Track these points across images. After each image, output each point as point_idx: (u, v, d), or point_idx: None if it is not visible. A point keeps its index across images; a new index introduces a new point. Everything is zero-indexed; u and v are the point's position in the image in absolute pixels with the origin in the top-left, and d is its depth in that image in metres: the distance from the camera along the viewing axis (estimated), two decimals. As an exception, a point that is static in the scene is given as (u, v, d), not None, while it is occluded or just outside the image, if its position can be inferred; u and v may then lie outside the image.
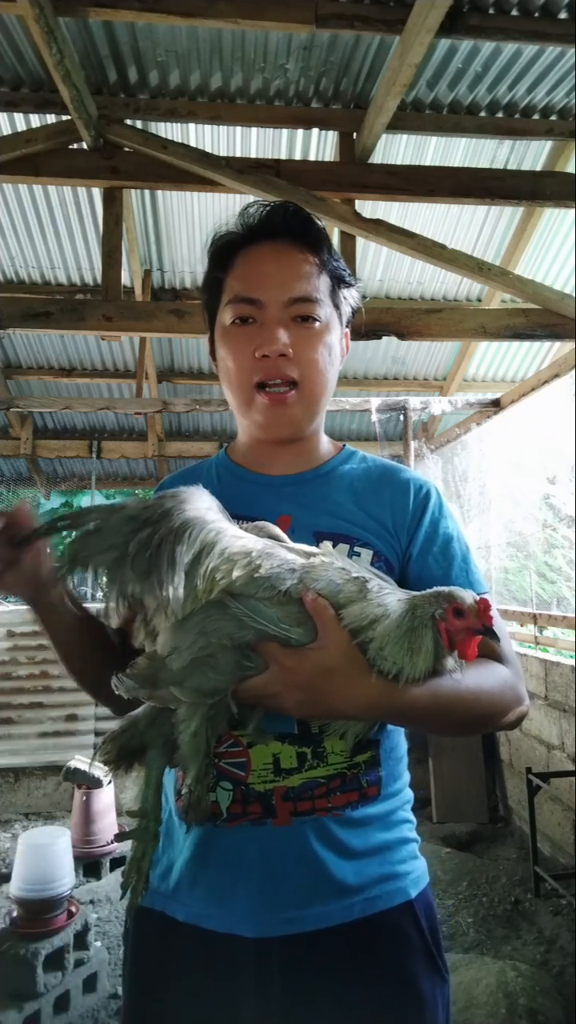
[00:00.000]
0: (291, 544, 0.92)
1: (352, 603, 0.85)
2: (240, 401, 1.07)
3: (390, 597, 0.86)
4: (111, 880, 3.82)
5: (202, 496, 0.91)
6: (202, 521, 0.86)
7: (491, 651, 0.98)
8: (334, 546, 0.98)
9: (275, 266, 1.04)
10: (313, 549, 0.90)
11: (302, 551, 0.89)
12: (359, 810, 0.97)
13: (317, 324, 1.05)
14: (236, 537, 0.87)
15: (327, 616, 0.83)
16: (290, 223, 1.06)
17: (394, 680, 0.83)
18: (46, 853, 2.80)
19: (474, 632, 0.85)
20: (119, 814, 4.07)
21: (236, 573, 0.82)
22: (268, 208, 1.07)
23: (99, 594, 0.88)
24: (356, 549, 1.02)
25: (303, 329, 1.04)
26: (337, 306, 1.09)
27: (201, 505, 0.89)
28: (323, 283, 1.06)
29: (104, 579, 0.84)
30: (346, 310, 1.12)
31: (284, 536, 0.94)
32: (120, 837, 0.93)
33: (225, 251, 1.08)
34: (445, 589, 0.87)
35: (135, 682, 0.84)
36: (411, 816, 1.06)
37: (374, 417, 5.04)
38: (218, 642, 0.81)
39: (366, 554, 1.02)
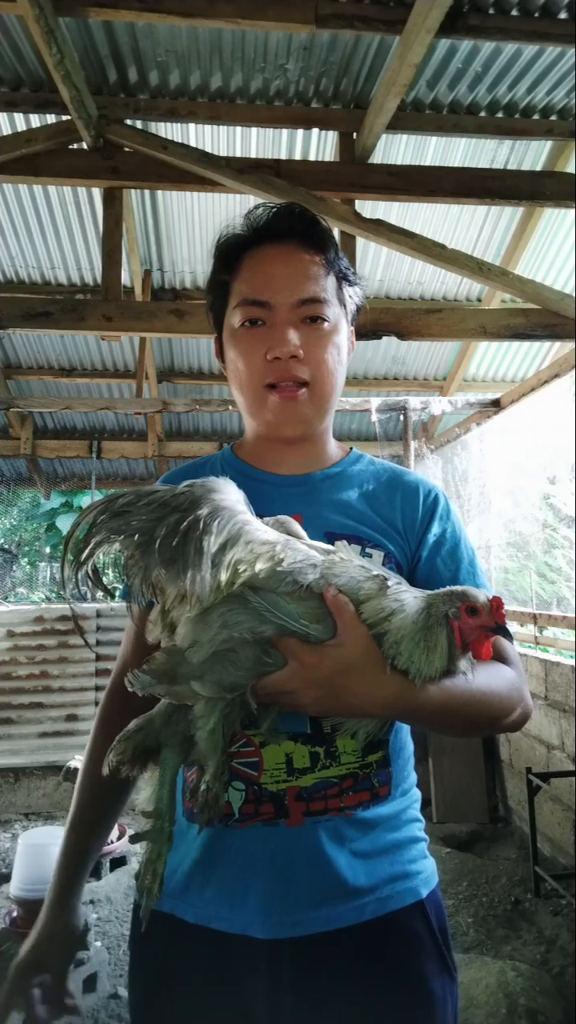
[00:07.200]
0: (309, 541, 0.91)
1: (371, 599, 0.84)
2: (251, 402, 1.07)
3: (407, 595, 0.86)
4: (111, 880, 3.82)
5: (230, 488, 0.91)
6: (230, 512, 0.86)
7: (497, 652, 0.98)
8: None
9: (283, 268, 1.04)
10: (330, 548, 0.90)
11: (320, 549, 0.89)
12: (371, 810, 0.97)
13: (326, 324, 1.05)
14: (260, 530, 0.87)
15: (347, 612, 0.82)
16: (296, 225, 1.06)
17: (410, 677, 0.83)
18: (46, 853, 2.80)
19: (487, 630, 0.84)
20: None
21: (259, 566, 0.81)
22: (274, 210, 1.07)
23: (113, 583, 0.88)
24: (367, 550, 1.02)
25: (313, 330, 1.04)
26: (343, 305, 1.09)
27: (229, 497, 0.88)
28: (330, 283, 1.06)
29: (129, 561, 0.83)
30: (351, 308, 1.12)
31: (303, 533, 0.93)
32: (135, 838, 0.91)
33: (231, 254, 1.08)
34: (459, 588, 0.86)
35: (152, 677, 0.82)
36: (420, 815, 1.06)
37: (374, 417, 5.04)
38: (239, 636, 0.81)
39: (377, 555, 1.02)
